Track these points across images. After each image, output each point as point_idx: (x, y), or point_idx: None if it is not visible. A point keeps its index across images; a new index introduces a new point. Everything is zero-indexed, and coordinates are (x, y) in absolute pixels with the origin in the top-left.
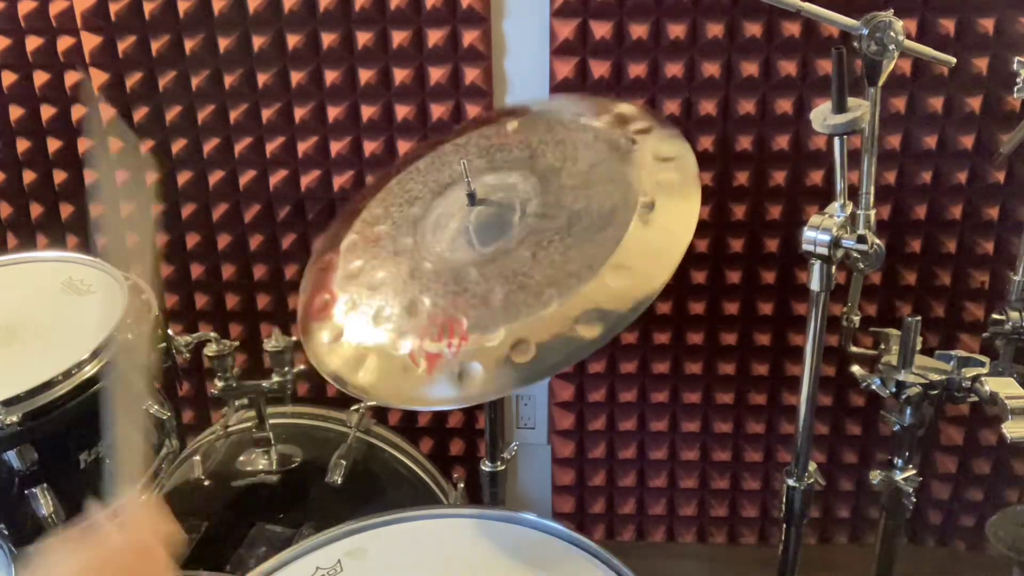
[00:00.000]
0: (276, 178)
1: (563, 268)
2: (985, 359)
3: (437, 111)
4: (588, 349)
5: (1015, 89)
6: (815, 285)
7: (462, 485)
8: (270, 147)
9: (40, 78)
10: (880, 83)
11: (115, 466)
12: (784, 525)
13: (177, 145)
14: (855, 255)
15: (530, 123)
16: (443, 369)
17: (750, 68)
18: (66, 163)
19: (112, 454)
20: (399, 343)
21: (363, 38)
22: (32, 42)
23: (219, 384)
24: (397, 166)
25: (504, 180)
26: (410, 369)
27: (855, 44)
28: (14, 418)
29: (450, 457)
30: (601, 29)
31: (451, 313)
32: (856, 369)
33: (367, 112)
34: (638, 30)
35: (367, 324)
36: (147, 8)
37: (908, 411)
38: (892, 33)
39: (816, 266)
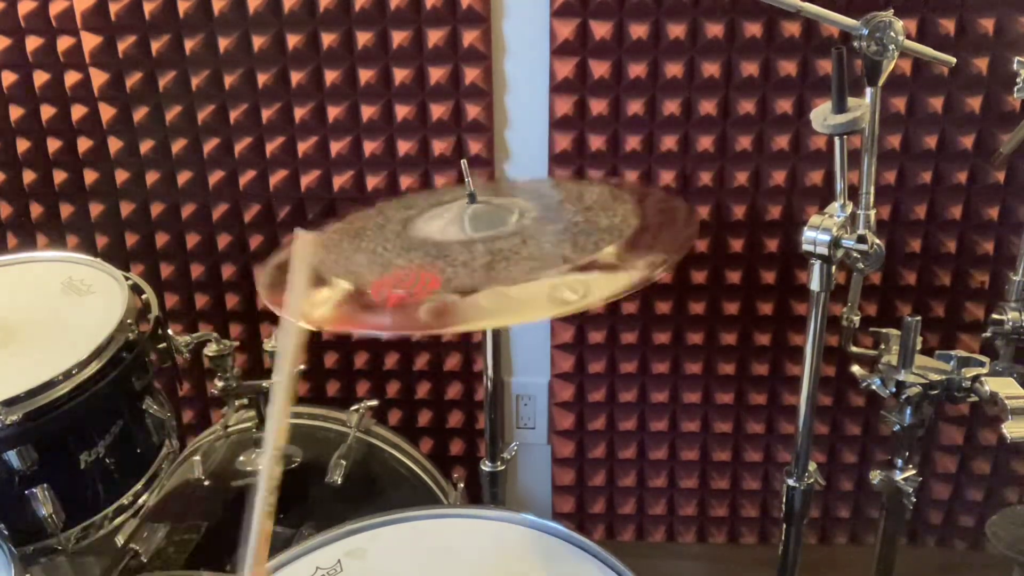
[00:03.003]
0: (276, 178)
1: (553, 251)
2: (985, 359)
3: (437, 111)
4: (560, 311)
5: (1015, 89)
6: (815, 285)
7: (462, 485)
8: (270, 147)
9: (40, 78)
10: (880, 83)
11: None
12: (784, 525)
13: (177, 145)
14: (855, 255)
15: (540, 180)
16: (403, 305)
17: (750, 68)
18: (66, 163)
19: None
20: (365, 287)
21: (363, 38)
22: (32, 42)
23: (219, 384)
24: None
25: (508, 200)
26: (370, 304)
27: (855, 44)
28: (14, 418)
29: (450, 457)
30: (601, 29)
31: (426, 268)
32: (856, 369)
33: (367, 112)
34: (638, 30)
35: (336, 272)
36: (147, 8)
37: (908, 411)
38: (892, 33)
39: (816, 266)
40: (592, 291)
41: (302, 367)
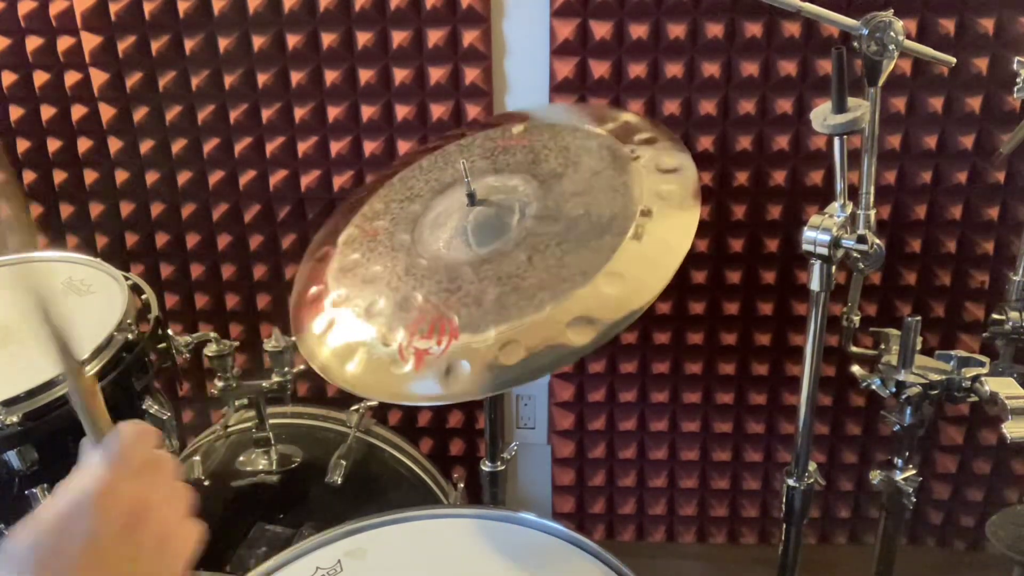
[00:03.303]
0: (276, 178)
1: (557, 273)
2: (985, 359)
3: (437, 111)
4: (576, 354)
5: (1015, 89)
6: (815, 285)
7: (462, 485)
8: (270, 147)
9: (40, 78)
10: (880, 83)
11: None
12: (784, 525)
13: (177, 145)
14: (855, 255)
15: (535, 127)
16: (431, 366)
17: (750, 68)
18: (66, 163)
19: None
20: (389, 338)
21: (363, 38)
22: (32, 42)
23: (219, 384)
24: (401, 163)
25: (505, 183)
26: (398, 364)
27: (855, 44)
28: (14, 418)
29: (450, 457)
30: (601, 29)
31: (443, 311)
32: (856, 369)
33: (367, 112)
34: (638, 30)
35: (358, 317)
36: (147, 8)
37: (908, 411)
38: (892, 33)
39: (816, 266)
40: (607, 315)
41: (301, 367)
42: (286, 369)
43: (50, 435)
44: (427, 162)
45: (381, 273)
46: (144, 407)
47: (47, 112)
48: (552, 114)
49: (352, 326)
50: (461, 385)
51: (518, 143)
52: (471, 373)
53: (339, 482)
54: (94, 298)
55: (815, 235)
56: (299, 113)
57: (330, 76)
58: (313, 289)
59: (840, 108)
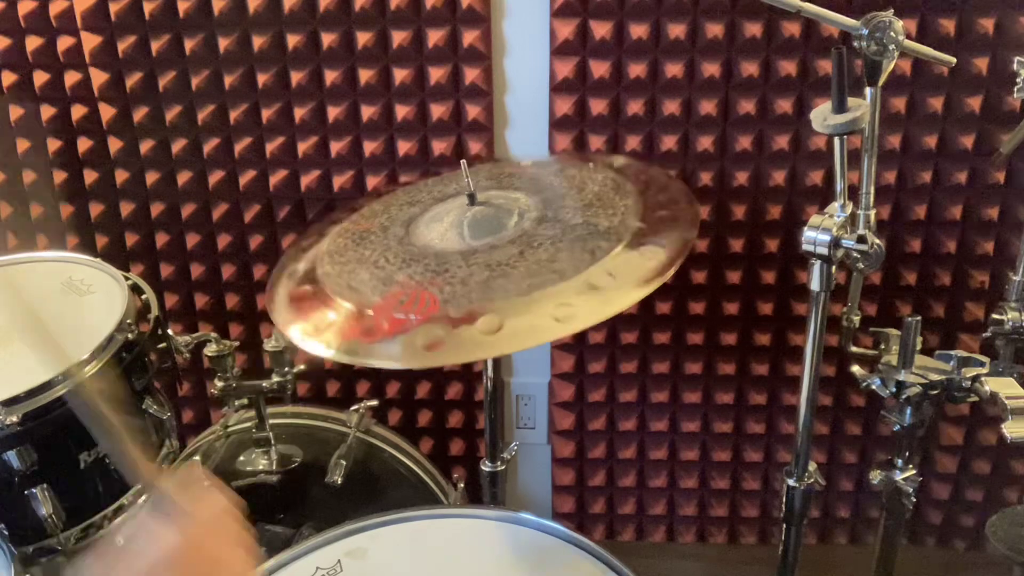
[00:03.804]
0: (276, 178)
1: (549, 266)
2: (985, 359)
3: (437, 111)
4: (555, 336)
5: (1015, 89)
6: (815, 285)
7: (462, 485)
8: (270, 147)
9: (40, 78)
10: (880, 83)
11: (124, 467)
12: (784, 525)
13: (177, 145)
14: (855, 255)
15: (544, 161)
16: (404, 332)
17: (750, 68)
18: (66, 163)
19: (116, 459)
20: (366, 307)
21: (363, 38)
22: (32, 42)
23: (219, 384)
24: (405, 182)
25: (508, 195)
26: (371, 330)
27: (855, 44)
28: (14, 418)
29: (450, 457)
30: (601, 29)
31: (426, 287)
32: (856, 369)
33: (367, 112)
34: (638, 30)
35: (338, 289)
36: (147, 8)
37: (908, 411)
38: (892, 33)
39: (816, 266)
40: (584, 313)
41: (301, 367)
42: (286, 369)
43: (50, 435)
44: (433, 181)
45: (368, 256)
46: (144, 407)
47: (47, 112)
48: (556, 159)
49: (331, 297)
50: (433, 351)
51: (526, 171)
52: (445, 343)
53: (339, 482)
54: (94, 298)
55: (815, 235)
56: (299, 113)
57: (330, 76)
58: (293, 265)
59: (840, 108)
